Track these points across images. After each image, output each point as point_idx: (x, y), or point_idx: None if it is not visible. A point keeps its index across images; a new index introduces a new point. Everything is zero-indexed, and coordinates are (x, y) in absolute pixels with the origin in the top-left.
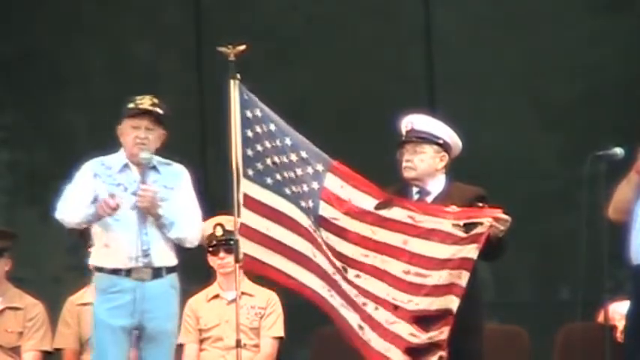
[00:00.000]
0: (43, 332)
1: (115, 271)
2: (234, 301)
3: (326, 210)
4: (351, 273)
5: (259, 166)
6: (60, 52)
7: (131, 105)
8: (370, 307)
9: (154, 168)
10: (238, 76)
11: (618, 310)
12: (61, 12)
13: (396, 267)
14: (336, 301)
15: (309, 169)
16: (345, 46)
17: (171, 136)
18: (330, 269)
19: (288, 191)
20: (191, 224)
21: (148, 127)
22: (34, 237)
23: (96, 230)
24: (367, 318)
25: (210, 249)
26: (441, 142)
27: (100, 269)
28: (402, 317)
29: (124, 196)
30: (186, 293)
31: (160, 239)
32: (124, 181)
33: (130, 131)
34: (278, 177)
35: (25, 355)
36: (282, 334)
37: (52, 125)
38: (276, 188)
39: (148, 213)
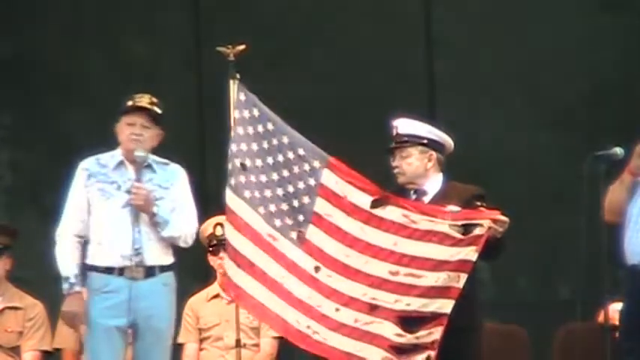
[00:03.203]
0: (42, 332)
1: (108, 270)
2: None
3: (321, 206)
4: (323, 272)
5: (229, 165)
6: (60, 52)
7: (129, 102)
8: (327, 308)
9: (150, 167)
10: (238, 76)
11: (618, 310)
12: (61, 12)
13: (380, 268)
14: (278, 305)
15: (306, 167)
16: (345, 46)
17: (171, 136)
18: (278, 273)
19: (248, 194)
20: (185, 223)
21: (143, 125)
22: (34, 237)
23: (91, 226)
24: (321, 318)
25: (210, 249)
26: (425, 141)
27: (93, 268)
28: (385, 317)
29: (117, 194)
30: (186, 293)
31: (153, 238)
32: (118, 178)
33: (125, 128)
34: (242, 179)
35: (24, 355)
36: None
37: (52, 125)
38: (239, 191)
39: (142, 211)
